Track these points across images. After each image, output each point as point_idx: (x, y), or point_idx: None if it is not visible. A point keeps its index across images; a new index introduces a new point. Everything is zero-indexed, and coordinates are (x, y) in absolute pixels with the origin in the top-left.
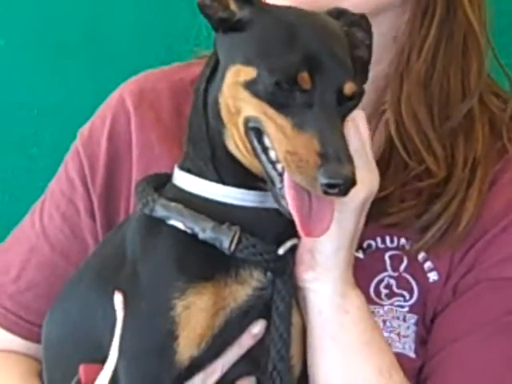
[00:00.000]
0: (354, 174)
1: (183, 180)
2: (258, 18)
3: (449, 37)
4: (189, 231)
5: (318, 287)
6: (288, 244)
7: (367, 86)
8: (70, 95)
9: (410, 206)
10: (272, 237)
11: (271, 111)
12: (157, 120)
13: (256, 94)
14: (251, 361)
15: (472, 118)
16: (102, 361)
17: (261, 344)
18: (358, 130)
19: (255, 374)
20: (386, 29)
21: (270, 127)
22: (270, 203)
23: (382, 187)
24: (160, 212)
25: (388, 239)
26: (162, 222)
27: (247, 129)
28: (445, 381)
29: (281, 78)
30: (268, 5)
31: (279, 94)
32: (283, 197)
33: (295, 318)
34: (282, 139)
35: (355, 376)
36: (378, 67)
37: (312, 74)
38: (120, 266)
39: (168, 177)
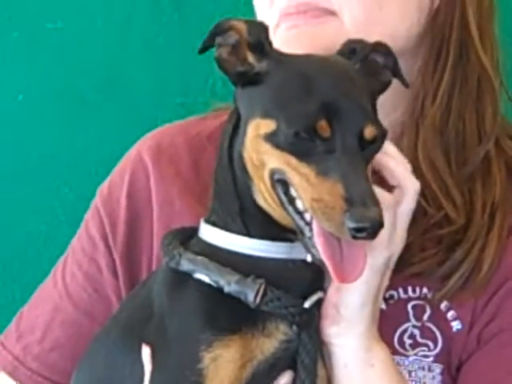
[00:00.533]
0: (380, 216)
1: (209, 233)
2: (274, 70)
3: (463, 81)
4: (214, 284)
5: (343, 342)
6: (314, 297)
7: None
8: (88, 151)
9: (431, 254)
10: (298, 289)
11: (294, 161)
12: (176, 175)
13: (277, 146)
14: None
15: (489, 162)
16: None
17: None
18: (417, 192)
19: None
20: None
21: (294, 177)
22: (296, 254)
23: None
24: (186, 266)
25: (410, 289)
26: (188, 275)
27: (273, 181)
28: None
29: (300, 129)
30: (283, 54)
31: (300, 144)
32: (313, 245)
33: (321, 372)
34: (307, 187)
35: None
36: (394, 114)
37: (330, 122)
38: (147, 319)
39: (194, 230)
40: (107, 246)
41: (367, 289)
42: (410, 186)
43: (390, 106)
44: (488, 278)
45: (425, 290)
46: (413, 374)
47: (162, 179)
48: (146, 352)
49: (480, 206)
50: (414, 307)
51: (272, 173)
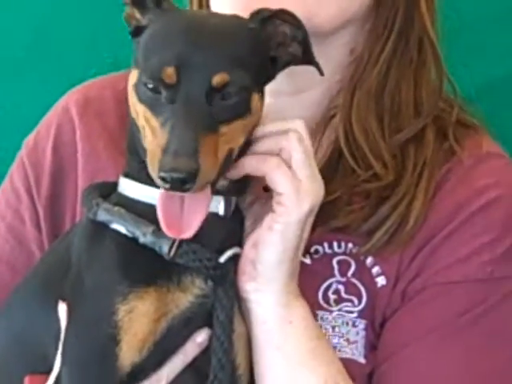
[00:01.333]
0: (188, 166)
1: (125, 186)
2: (152, 23)
3: (404, 51)
4: (130, 235)
5: (260, 298)
6: (229, 252)
7: (321, 94)
8: (16, 109)
9: (357, 208)
10: (213, 243)
11: (148, 114)
12: (103, 129)
13: (138, 97)
14: (197, 371)
15: (423, 129)
16: (48, 372)
17: (206, 354)
18: (301, 141)
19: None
20: (346, 41)
21: (147, 130)
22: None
23: (329, 191)
24: (103, 216)
25: (335, 244)
26: (105, 226)
27: None
28: None
29: (147, 76)
30: (168, 9)
31: (150, 96)
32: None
33: (241, 328)
34: (151, 140)
35: None
36: (335, 76)
37: (178, 71)
38: (65, 273)
39: (115, 185)
40: (31, 199)
41: (283, 247)
42: (288, 143)
43: (331, 69)
44: (414, 232)
45: (350, 246)
46: (336, 329)
47: (88, 133)
48: (62, 308)
49: (411, 166)
50: (339, 262)
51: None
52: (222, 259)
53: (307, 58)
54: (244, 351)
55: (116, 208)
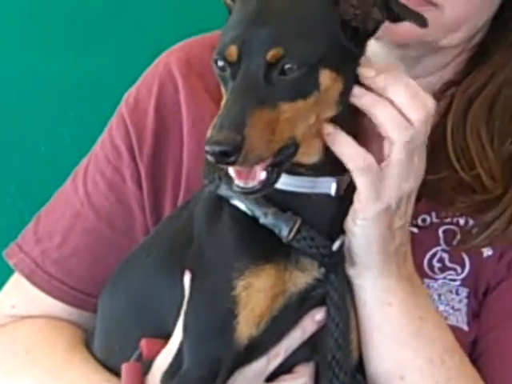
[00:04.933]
0: (226, 139)
1: None
2: (233, 6)
3: None
4: (249, 213)
5: (361, 282)
6: (340, 240)
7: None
8: (93, 75)
9: (461, 207)
10: (326, 229)
11: (222, 91)
12: (206, 91)
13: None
14: (310, 346)
15: None
16: (164, 337)
17: (320, 331)
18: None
19: (314, 359)
20: None
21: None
22: (320, 189)
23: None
24: (224, 191)
25: (443, 213)
26: (226, 201)
27: None
28: (502, 358)
29: (216, 55)
30: None
31: (220, 73)
32: None
33: (353, 309)
34: None
35: (406, 367)
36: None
37: (240, 48)
38: (187, 244)
39: None
40: (133, 158)
41: (366, 239)
42: (397, 138)
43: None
44: None
45: (457, 216)
46: (442, 296)
47: (192, 94)
48: (187, 278)
49: None
50: (445, 231)
51: None
52: (335, 247)
53: (395, 19)
54: (355, 329)
55: None
